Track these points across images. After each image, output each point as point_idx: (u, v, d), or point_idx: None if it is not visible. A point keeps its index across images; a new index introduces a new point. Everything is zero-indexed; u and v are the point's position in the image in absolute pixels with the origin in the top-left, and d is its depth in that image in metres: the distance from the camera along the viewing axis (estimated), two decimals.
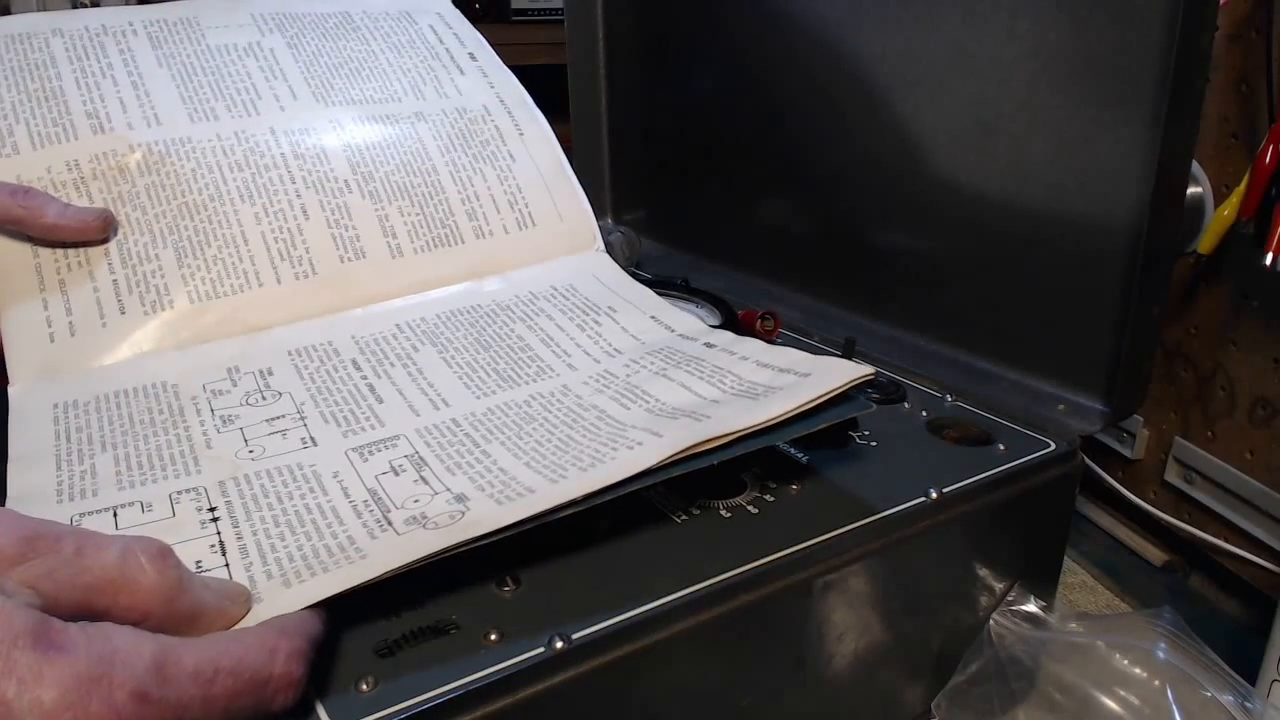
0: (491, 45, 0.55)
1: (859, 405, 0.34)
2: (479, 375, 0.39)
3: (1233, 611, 0.50)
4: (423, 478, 0.32)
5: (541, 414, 0.36)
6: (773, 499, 0.35)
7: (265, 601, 0.26)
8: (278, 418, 0.36)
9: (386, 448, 0.34)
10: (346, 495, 0.31)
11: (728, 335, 0.41)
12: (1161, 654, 0.35)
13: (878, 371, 0.47)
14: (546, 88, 0.62)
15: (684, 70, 0.66)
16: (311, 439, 0.35)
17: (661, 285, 0.54)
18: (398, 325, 0.42)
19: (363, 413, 0.36)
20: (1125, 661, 0.35)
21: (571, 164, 0.52)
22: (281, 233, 0.43)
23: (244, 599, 0.26)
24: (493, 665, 0.26)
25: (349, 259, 0.44)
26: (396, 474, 0.32)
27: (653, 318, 0.44)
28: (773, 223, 0.61)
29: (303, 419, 0.36)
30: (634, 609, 0.28)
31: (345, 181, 0.45)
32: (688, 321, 0.43)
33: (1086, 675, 0.36)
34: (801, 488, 0.36)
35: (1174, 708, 0.34)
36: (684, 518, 0.33)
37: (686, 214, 0.70)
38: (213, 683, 0.22)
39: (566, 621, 0.28)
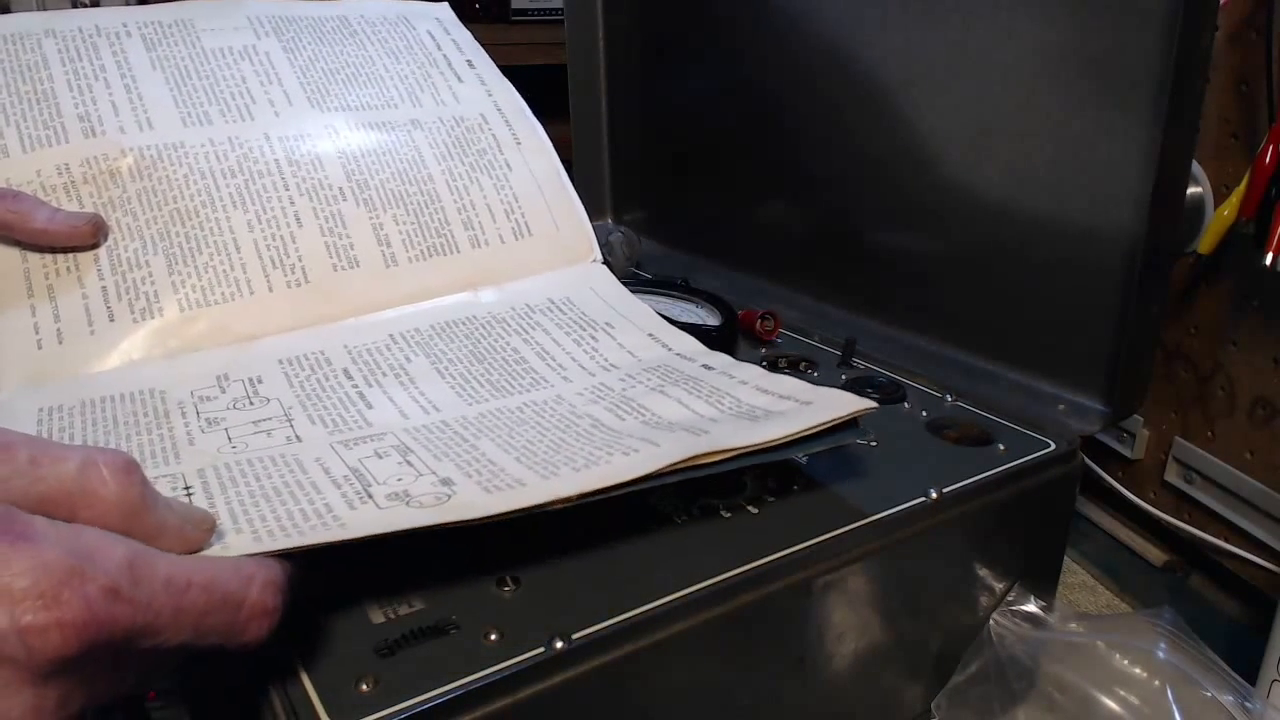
0: (491, 45, 0.55)
1: (858, 433, 0.34)
2: (472, 386, 0.39)
3: (1233, 611, 0.50)
4: (408, 461, 0.32)
5: (534, 419, 0.36)
6: (773, 499, 0.35)
7: (233, 550, 0.25)
8: (264, 419, 0.35)
9: (372, 440, 0.34)
10: (327, 472, 0.31)
11: (726, 359, 0.41)
12: (1161, 654, 0.35)
13: (878, 372, 0.47)
14: (546, 88, 0.62)
15: (684, 70, 0.66)
16: (296, 437, 0.34)
17: (661, 285, 0.54)
18: (391, 336, 0.42)
19: (351, 417, 0.36)
20: (1125, 661, 0.35)
21: (571, 165, 0.51)
22: (274, 240, 0.43)
23: (208, 525, 0.25)
24: (493, 665, 0.26)
25: (342, 268, 0.43)
26: (380, 457, 0.32)
27: (650, 335, 0.43)
28: (772, 223, 0.61)
29: (289, 420, 0.35)
30: (634, 609, 0.28)
31: (339, 189, 0.45)
32: (685, 341, 0.43)
33: (1086, 675, 0.36)
34: (802, 487, 0.35)
35: (1174, 708, 0.34)
36: (684, 518, 0.33)
37: (686, 214, 0.70)
38: (185, 593, 0.22)
39: (566, 621, 0.27)
